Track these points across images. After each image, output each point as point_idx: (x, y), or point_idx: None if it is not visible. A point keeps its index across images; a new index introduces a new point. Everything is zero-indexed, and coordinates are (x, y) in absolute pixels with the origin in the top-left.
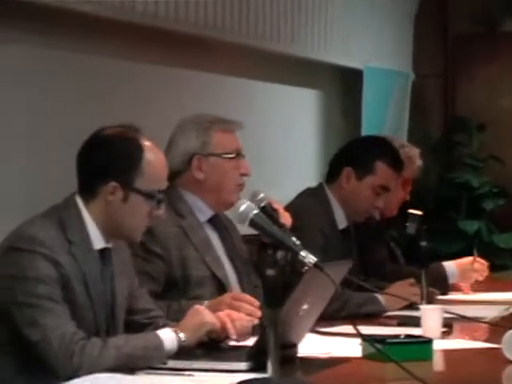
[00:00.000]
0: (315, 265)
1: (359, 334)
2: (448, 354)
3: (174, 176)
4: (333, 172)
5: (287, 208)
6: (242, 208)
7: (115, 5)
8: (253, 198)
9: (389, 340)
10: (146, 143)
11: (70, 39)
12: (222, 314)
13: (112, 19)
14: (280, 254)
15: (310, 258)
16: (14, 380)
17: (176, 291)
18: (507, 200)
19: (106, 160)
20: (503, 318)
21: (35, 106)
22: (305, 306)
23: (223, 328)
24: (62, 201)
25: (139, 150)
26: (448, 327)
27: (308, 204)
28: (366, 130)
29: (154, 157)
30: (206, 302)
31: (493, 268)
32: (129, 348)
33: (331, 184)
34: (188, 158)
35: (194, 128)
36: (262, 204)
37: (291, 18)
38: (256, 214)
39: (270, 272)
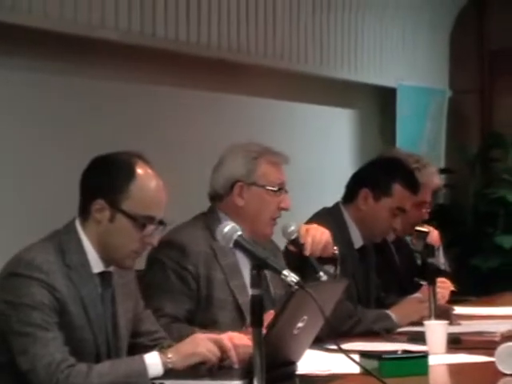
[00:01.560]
0: (297, 284)
1: (342, 350)
2: (445, 368)
3: (215, 198)
4: (350, 192)
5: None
6: (226, 229)
7: (139, 32)
8: (284, 230)
9: (385, 356)
10: (141, 169)
11: (97, 67)
12: (224, 338)
13: (137, 46)
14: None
15: (292, 277)
16: None
17: (198, 311)
18: None
19: (97, 180)
20: None
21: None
22: (300, 324)
23: (223, 353)
24: (62, 226)
25: (130, 172)
26: (456, 342)
27: (324, 224)
28: (400, 147)
29: (145, 183)
30: None
31: None
32: (112, 376)
33: (348, 204)
34: (231, 183)
35: (242, 155)
36: (293, 237)
37: (321, 39)
38: (240, 236)
39: (254, 292)
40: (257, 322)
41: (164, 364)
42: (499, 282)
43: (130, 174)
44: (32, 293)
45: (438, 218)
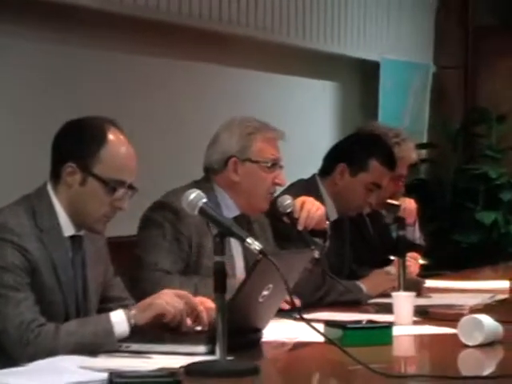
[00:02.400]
0: (260, 252)
1: (304, 320)
2: (409, 339)
3: (209, 171)
4: (327, 166)
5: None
6: (192, 196)
7: (132, 2)
8: (280, 203)
9: (348, 325)
10: (113, 134)
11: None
12: (196, 300)
13: (128, 16)
14: None
15: (255, 245)
16: None
17: (186, 275)
18: None
19: (69, 143)
20: (485, 306)
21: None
22: (265, 292)
23: (195, 315)
24: (34, 190)
25: (102, 137)
26: (424, 314)
27: (299, 195)
28: (383, 121)
29: (117, 148)
30: None
31: (509, 257)
32: (79, 334)
33: (324, 177)
34: (226, 158)
35: (238, 131)
36: (288, 210)
37: (305, 11)
38: (205, 203)
39: (217, 258)
40: (219, 288)
41: (128, 320)
42: (479, 258)
43: (102, 139)
44: (4, 255)
45: (418, 192)
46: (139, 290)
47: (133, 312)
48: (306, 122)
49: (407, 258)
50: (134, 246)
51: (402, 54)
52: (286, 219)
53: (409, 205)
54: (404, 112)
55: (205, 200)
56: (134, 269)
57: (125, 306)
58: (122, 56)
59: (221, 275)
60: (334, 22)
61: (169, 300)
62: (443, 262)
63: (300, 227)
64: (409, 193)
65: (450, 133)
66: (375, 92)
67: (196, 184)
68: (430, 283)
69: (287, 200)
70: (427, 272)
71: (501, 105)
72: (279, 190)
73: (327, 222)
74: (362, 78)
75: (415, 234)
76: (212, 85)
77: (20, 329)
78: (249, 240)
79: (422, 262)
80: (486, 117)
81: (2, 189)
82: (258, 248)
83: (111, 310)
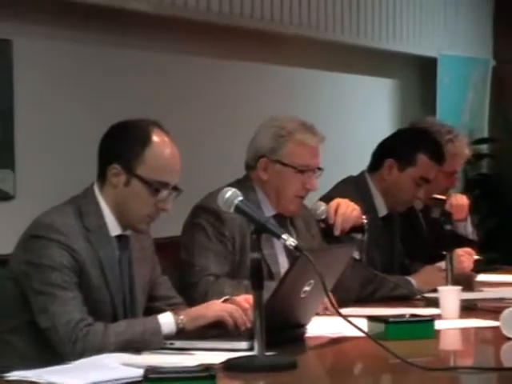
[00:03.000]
0: (295, 248)
1: (341, 316)
2: (453, 332)
3: (247, 167)
4: (375, 162)
5: (328, 195)
6: (228, 195)
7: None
8: (314, 211)
9: (391, 319)
10: (157, 136)
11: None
12: (240, 298)
13: (169, 17)
14: None
15: (291, 242)
16: (39, 357)
17: (231, 275)
18: None
19: (114, 145)
20: None
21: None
22: (307, 288)
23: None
24: (81, 190)
25: (146, 139)
26: (472, 308)
27: (348, 192)
28: (442, 117)
29: (160, 149)
30: None
31: None
32: (128, 334)
33: (373, 173)
34: (258, 156)
35: (273, 130)
36: (323, 217)
37: (360, 8)
38: (241, 201)
39: (253, 255)
40: (257, 284)
41: (176, 323)
42: None
43: (146, 141)
44: (52, 254)
45: (480, 187)
46: (190, 295)
47: (181, 317)
48: (365, 120)
49: (462, 254)
50: (178, 247)
51: (460, 49)
52: (321, 225)
53: (460, 200)
54: (463, 107)
55: (241, 198)
56: (182, 274)
57: (172, 305)
58: (172, 57)
59: (257, 272)
60: (389, 18)
61: (222, 308)
62: (506, 257)
63: (337, 232)
64: (471, 188)
65: (510, 127)
66: (433, 88)
67: (237, 183)
68: (483, 277)
69: (321, 207)
70: (486, 267)
71: None
72: (326, 184)
73: (364, 217)
74: (420, 75)
75: (467, 229)
76: (267, 84)
77: (68, 327)
78: (284, 236)
79: (476, 257)
80: None
81: (51, 190)
82: (293, 244)
83: (158, 308)
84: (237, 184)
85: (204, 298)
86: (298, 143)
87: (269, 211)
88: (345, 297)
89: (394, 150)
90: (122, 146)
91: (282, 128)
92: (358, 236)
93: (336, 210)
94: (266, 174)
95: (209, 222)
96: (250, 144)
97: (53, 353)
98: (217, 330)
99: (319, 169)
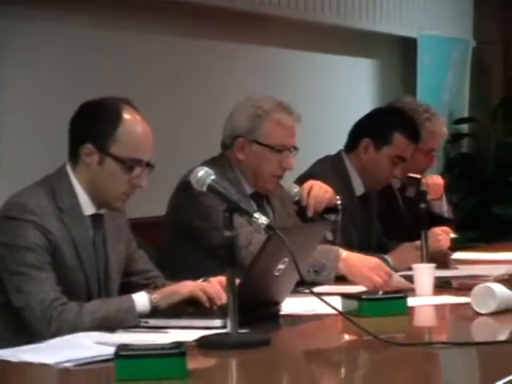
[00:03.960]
0: (267, 226)
1: (314, 294)
2: (425, 309)
3: (224, 146)
4: (351, 141)
5: (305, 175)
6: (200, 174)
7: None
8: (288, 192)
9: (365, 296)
10: (128, 114)
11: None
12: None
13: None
14: None
15: (262, 220)
16: (16, 337)
17: None
18: None
19: (86, 125)
20: (511, 276)
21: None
22: (281, 266)
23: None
24: (54, 170)
25: (117, 117)
26: (447, 285)
27: (325, 171)
28: (422, 97)
29: (132, 127)
30: None
31: None
32: (102, 313)
33: (350, 153)
34: (234, 135)
35: (250, 110)
36: (296, 199)
37: None
38: (213, 180)
39: (227, 233)
40: (229, 262)
41: (150, 301)
42: None
43: (117, 119)
44: (26, 235)
45: (460, 166)
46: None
47: (155, 296)
48: (346, 100)
49: (438, 232)
50: (158, 227)
51: (440, 29)
52: (295, 207)
53: (435, 180)
54: (443, 87)
55: (213, 177)
56: (210, 240)
57: (150, 278)
58: (151, 37)
59: (230, 250)
60: None
61: (194, 286)
62: (484, 235)
63: (310, 214)
64: (451, 167)
65: (490, 107)
66: (413, 68)
67: (213, 161)
68: (459, 255)
69: (294, 189)
70: (463, 245)
71: None
72: (306, 165)
73: (337, 198)
74: (400, 55)
75: (442, 208)
76: (247, 65)
77: (43, 306)
78: (256, 215)
79: (452, 235)
80: None
81: (24, 170)
82: (265, 223)
83: (136, 283)
84: (213, 162)
85: (249, 243)
86: (274, 123)
87: (247, 189)
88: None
89: (370, 129)
90: (93, 125)
91: (259, 108)
92: (332, 217)
93: (309, 192)
94: (242, 154)
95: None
96: (226, 123)
97: (28, 333)
98: (191, 309)
99: (295, 148)
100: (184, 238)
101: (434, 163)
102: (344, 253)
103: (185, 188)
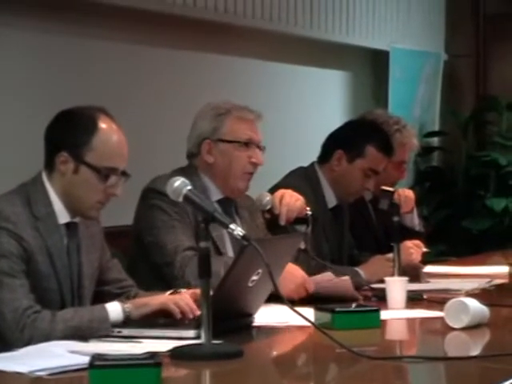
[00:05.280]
0: (243, 237)
1: (289, 307)
2: (398, 322)
3: (190, 157)
4: (325, 153)
5: (278, 186)
6: (176, 184)
7: None
8: (259, 201)
9: (338, 309)
10: (103, 123)
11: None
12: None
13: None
14: None
15: (238, 231)
16: None
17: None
18: None
19: (61, 133)
20: (482, 291)
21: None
22: (254, 277)
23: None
24: (30, 178)
25: (93, 126)
26: (418, 298)
27: (297, 182)
28: (393, 110)
29: (108, 136)
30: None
31: None
32: (75, 321)
33: (323, 164)
34: (200, 141)
35: (210, 113)
36: (268, 207)
37: (312, 1)
38: (189, 190)
39: (202, 244)
40: (204, 273)
41: (123, 310)
42: (489, 244)
43: (93, 128)
44: (0, 242)
45: (430, 179)
46: (166, 275)
47: (127, 305)
48: (317, 111)
49: (410, 246)
50: (128, 235)
51: (411, 42)
52: (266, 215)
53: (407, 193)
54: (414, 100)
55: (189, 187)
56: (151, 257)
57: (123, 288)
58: (124, 47)
59: (205, 261)
60: (342, 11)
61: (164, 297)
62: (455, 249)
63: (282, 222)
64: (421, 180)
65: (460, 121)
66: (385, 81)
67: (181, 170)
68: (430, 269)
69: (266, 197)
70: (434, 258)
71: (510, 93)
72: (279, 176)
73: (307, 209)
74: (372, 67)
75: (414, 221)
76: (220, 75)
77: (16, 314)
78: (232, 226)
79: (424, 249)
80: (495, 105)
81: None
82: (241, 234)
83: (109, 292)
84: (181, 171)
85: (182, 275)
86: (236, 119)
87: (215, 195)
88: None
89: (343, 141)
90: (69, 133)
91: (219, 108)
92: (302, 228)
93: (281, 201)
94: (211, 157)
95: (164, 201)
96: (190, 133)
97: (0, 341)
98: (165, 319)
99: (261, 147)
100: (139, 248)
101: (405, 175)
102: None
103: (144, 196)
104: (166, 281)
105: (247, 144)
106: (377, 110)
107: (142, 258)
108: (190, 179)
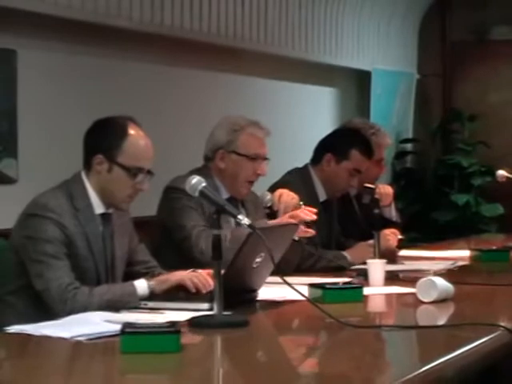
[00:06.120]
0: (249, 226)
1: (287, 284)
2: (378, 297)
3: (206, 159)
4: (316, 156)
5: (277, 183)
6: (193, 181)
7: (149, 20)
8: (261, 199)
9: (328, 286)
10: (132, 129)
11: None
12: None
13: (148, 33)
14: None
15: (245, 221)
16: (34, 314)
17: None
18: (492, 177)
19: (97, 138)
20: (448, 271)
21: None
22: (258, 260)
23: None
24: (71, 176)
25: (123, 132)
26: (394, 277)
27: (293, 181)
28: (374, 120)
29: (136, 140)
30: None
31: (479, 232)
32: (109, 295)
33: (315, 165)
34: (216, 148)
35: (228, 126)
36: (269, 204)
37: (307, 28)
38: (204, 187)
39: (214, 232)
40: (216, 256)
41: (148, 286)
42: (454, 232)
43: (124, 134)
44: (46, 229)
45: (405, 179)
46: (186, 248)
47: (151, 282)
48: (310, 121)
49: (388, 233)
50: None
51: (390, 63)
52: (267, 211)
53: (386, 190)
54: (392, 113)
55: (204, 184)
56: (174, 235)
57: (149, 268)
58: (149, 67)
59: (217, 246)
60: (332, 37)
61: (184, 274)
62: (425, 237)
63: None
64: (398, 179)
65: (430, 130)
66: (368, 97)
67: (197, 171)
68: (405, 252)
69: (267, 196)
70: (408, 244)
71: (472, 106)
72: (278, 175)
73: (301, 203)
74: (357, 85)
75: (391, 213)
76: (226, 91)
77: (59, 289)
78: (240, 216)
79: (400, 236)
80: (459, 116)
81: (47, 175)
82: (247, 223)
83: (138, 271)
84: (197, 172)
85: (197, 244)
86: (249, 135)
87: (224, 195)
88: (285, 268)
89: (332, 146)
90: (103, 138)
91: (235, 124)
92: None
93: (279, 199)
94: (223, 163)
95: (182, 196)
96: (207, 140)
97: (46, 311)
98: (184, 294)
99: (266, 158)
100: (163, 234)
101: (384, 170)
102: None
103: (166, 192)
104: (186, 255)
105: (255, 158)
106: (355, 119)
107: (167, 243)
108: (205, 179)
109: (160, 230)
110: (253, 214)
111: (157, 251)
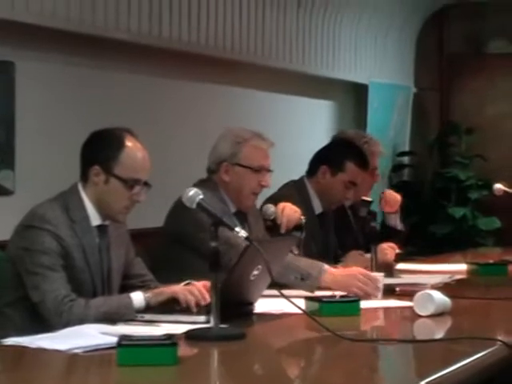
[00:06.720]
0: (246, 239)
1: (284, 297)
2: (375, 311)
3: (209, 171)
4: (312, 168)
5: (273, 196)
6: (191, 193)
7: (147, 33)
8: (264, 212)
9: (325, 299)
10: (129, 141)
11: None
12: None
13: (145, 45)
14: None
15: (242, 234)
16: (31, 326)
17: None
18: (489, 191)
19: (94, 150)
20: (444, 284)
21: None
22: (255, 272)
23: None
24: (68, 188)
25: (121, 144)
26: (391, 291)
27: (289, 193)
28: (371, 133)
29: (133, 152)
30: None
31: (476, 245)
32: (105, 308)
33: (310, 178)
34: (220, 161)
35: (231, 139)
36: (272, 217)
37: (305, 42)
38: (201, 199)
39: (212, 244)
40: (214, 268)
41: (144, 299)
42: (451, 245)
43: (121, 145)
44: (43, 241)
45: (402, 191)
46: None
47: (148, 294)
48: (305, 135)
49: (385, 247)
50: (150, 235)
51: (387, 77)
52: (269, 224)
53: (393, 196)
54: (389, 126)
55: (201, 196)
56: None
57: (145, 282)
58: (147, 79)
59: (215, 257)
60: (330, 51)
61: (180, 288)
62: (422, 250)
63: (283, 231)
64: (395, 192)
65: (427, 143)
66: (365, 110)
67: (203, 182)
68: (402, 266)
69: (270, 208)
70: (405, 257)
71: (469, 119)
72: (275, 187)
73: (302, 218)
74: (354, 98)
75: (396, 221)
76: (225, 103)
77: (56, 301)
78: (237, 229)
79: (397, 250)
80: (456, 129)
81: (44, 187)
82: (244, 236)
83: (133, 285)
84: (201, 184)
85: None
86: (252, 148)
87: (232, 208)
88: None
89: (327, 158)
90: (100, 150)
91: (238, 136)
92: (298, 234)
93: (282, 212)
94: (227, 176)
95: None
96: (211, 152)
97: (42, 323)
98: (180, 306)
99: (270, 170)
100: (179, 244)
101: (378, 179)
102: (327, 267)
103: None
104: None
105: (259, 170)
106: (347, 131)
107: (175, 251)
108: (213, 192)
109: (168, 237)
110: (254, 226)
111: (162, 261)
